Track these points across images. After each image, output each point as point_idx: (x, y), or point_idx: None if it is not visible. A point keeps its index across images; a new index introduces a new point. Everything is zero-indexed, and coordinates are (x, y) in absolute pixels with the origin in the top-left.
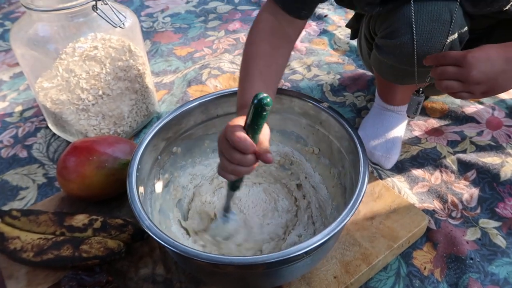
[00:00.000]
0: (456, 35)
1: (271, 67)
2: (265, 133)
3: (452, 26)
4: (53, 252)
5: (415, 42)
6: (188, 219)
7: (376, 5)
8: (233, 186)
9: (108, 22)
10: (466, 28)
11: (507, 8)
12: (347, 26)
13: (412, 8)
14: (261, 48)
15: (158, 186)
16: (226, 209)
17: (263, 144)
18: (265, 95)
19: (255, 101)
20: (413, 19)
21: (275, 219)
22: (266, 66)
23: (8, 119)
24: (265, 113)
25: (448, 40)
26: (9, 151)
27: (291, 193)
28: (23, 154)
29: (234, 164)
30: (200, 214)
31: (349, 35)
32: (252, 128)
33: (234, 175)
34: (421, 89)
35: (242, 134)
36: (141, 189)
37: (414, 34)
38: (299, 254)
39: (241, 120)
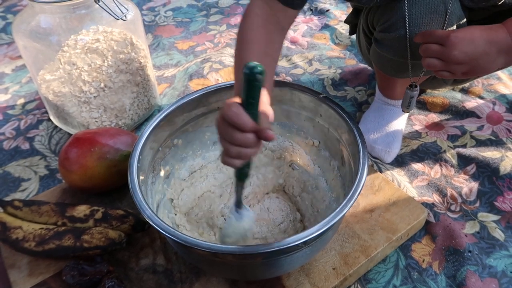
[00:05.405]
0: (454, 26)
1: (268, 53)
2: (266, 110)
3: (448, 17)
4: (55, 242)
5: (407, 35)
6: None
7: None
8: (241, 174)
9: (110, 14)
10: (464, 20)
11: (502, 1)
12: (345, 21)
13: (405, 2)
14: (257, 33)
15: (159, 178)
16: (238, 204)
17: (263, 121)
18: (255, 63)
19: (246, 70)
20: (406, 12)
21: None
22: (262, 51)
23: (10, 112)
24: (257, 82)
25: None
26: (11, 143)
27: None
28: (25, 146)
29: (236, 146)
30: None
31: None
32: (248, 102)
33: (240, 159)
34: (414, 83)
35: (239, 109)
36: (142, 180)
37: (407, 27)
38: (297, 244)
39: (237, 99)
